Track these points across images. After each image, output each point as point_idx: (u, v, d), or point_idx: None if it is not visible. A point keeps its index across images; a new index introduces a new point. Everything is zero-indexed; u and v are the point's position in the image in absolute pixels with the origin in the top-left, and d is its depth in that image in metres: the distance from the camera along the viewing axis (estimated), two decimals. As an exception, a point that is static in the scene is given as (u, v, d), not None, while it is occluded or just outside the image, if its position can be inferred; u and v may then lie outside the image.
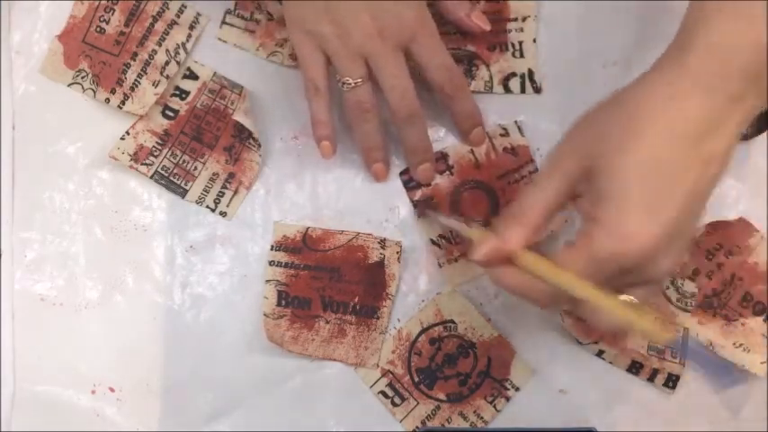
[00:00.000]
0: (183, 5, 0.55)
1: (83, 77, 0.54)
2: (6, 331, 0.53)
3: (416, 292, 0.54)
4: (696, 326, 0.53)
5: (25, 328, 0.53)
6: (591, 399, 0.53)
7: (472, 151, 0.54)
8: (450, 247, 0.53)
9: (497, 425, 0.52)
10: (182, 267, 0.54)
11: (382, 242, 0.53)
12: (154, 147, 0.54)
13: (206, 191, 0.54)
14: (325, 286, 0.53)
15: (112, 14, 0.55)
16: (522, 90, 0.55)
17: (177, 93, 0.55)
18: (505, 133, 0.54)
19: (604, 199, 0.39)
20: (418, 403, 0.52)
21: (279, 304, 0.53)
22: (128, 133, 0.54)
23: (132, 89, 0.54)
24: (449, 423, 0.52)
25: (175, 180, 0.54)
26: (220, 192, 0.54)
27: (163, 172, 0.54)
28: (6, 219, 0.54)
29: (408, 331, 0.53)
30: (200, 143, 0.54)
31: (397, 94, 0.50)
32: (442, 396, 0.53)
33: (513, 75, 0.55)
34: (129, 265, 0.54)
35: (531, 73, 0.55)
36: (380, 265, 0.53)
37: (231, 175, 0.54)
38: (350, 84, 0.49)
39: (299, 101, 0.53)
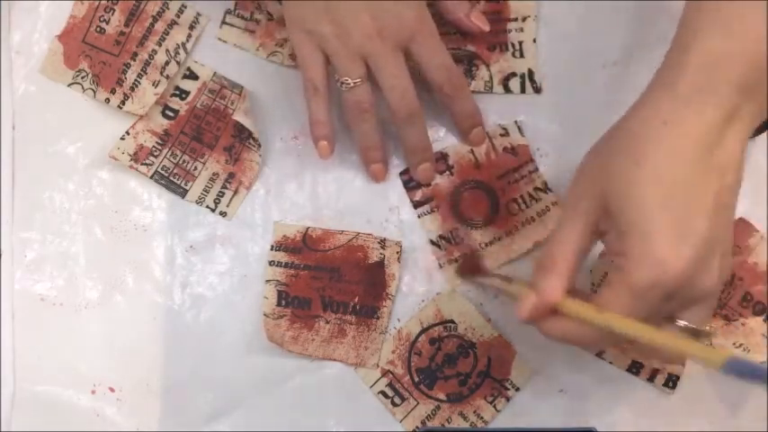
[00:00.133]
0: (183, 5, 0.55)
1: (83, 77, 0.54)
2: (6, 331, 0.53)
3: (416, 292, 0.54)
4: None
5: (25, 328, 0.53)
6: (591, 399, 0.53)
7: (472, 151, 0.54)
8: (451, 247, 0.54)
9: (497, 425, 0.52)
10: (182, 267, 0.54)
11: (382, 242, 0.53)
12: (154, 147, 0.54)
13: (206, 191, 0.54)
14: (325, 286, 0.53)
15: (112, 14, 0.55)
16: (522, 90, 0.55)
17: (177, 93, 0.55)
18: (505, 133, 0.54)
19: (628, 232, 0.39)
20: (418, 403, 0.52)
21: (279, 304, 0.53)
22: (128, 133, 0.54)
23: (132, 89, 0.54)
24: (449, 423, 0.52)
25: (175, 180, 0.54)
26: (220, 192, 0.54)
27: (163, 172, 0.54)
28: (6, 219, 0.54)
29: (408, 331, 0.53)
30: (201, 143, 0.54)
31: (397, 94, 0.50)
32: (442, 396, 0.53)
33: (513, 75, 0.55)
34: (129, 265, 0.54)
35: (531, 73, 0.55)
36: (380, 265, 0.53)
37: (231, 175, 0.54)
38: (349, 84, 0.49)
39: (299, 101, 0.53)
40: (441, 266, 0.54)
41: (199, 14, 0.55)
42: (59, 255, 0.54)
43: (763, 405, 0.53)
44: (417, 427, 0.52)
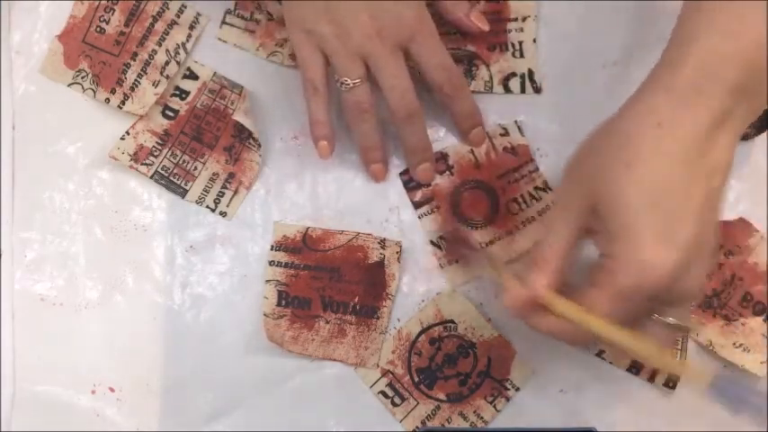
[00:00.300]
0: (183, 5, 0.55)
1: (83, 77, 0.54)
2: (6, 331, 0.53)
3: (416, 292, 0.54)
4: (696, 326, 0.53)
5: (25, 328, 0.53)
6: (591, 399, 0.53)
7: (472, 151, 0.54)
8: (451, 247, 0.53)
9: (497, 425, 0.52)
10: (182, 267, 0.54)
11: (382, 242, 0.53)
12: (154, 147, 0.54)
13: (206, 191, 0.54)
14: (325, 286, 0.53)
15: (112, 14, 0.55)
16: (522, 90, 0.55)
17: (177, 93, 0.55)
18: (505, 133, 0.54)
19: (615, 234, 0.39)
20: (418, 403, 0.52)
21: (279, 304, 0.53)
22: (128, 133, 0.54)
23: (132, 89, 0.54)
24: (449, 423, 0.52)
25: (175, 180, 0.54)
26: (220, 192, 0.54)
27: (163, 172, 0.54)
28: (6, 219, 0.54)
29: (408, 331, 0.53)
30: (201, 143, 0.54)
31: (397, 94, 0.50)
32: (442, 396, 0.53)
33: (513, 75, 0.55)
34: (129, 265, 0.54)
35: (531, 73, 0.55)
36: (380, 265, 0.53)
37: (231, 175, 0.54)
38: (348, 84, 0.49)
39: (299, 101, 0.53)
40: (441, 266, 0.54)
41: (199, 14, 0.55)
42: (59, 255, 0.54)
43: (764, 405, 0.53)
44: (417, 427, 0.52)
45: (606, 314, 0.40)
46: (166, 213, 0.54)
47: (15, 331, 0.53)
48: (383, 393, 0.53)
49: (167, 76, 0.54)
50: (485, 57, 0.55)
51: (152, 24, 0.55)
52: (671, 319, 0.41)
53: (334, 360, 0.53)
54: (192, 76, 0.55)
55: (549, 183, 0.54)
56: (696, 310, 0.53)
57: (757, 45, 0.38)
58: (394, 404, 0.53)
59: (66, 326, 0.53)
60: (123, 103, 0.54)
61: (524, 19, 0.55)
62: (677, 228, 0.38)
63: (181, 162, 0.54)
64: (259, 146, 0.54)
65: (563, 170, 0.43)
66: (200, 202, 0.54)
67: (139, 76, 0.54)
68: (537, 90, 0.55)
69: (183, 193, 0.54)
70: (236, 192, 0.54)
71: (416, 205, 0.54)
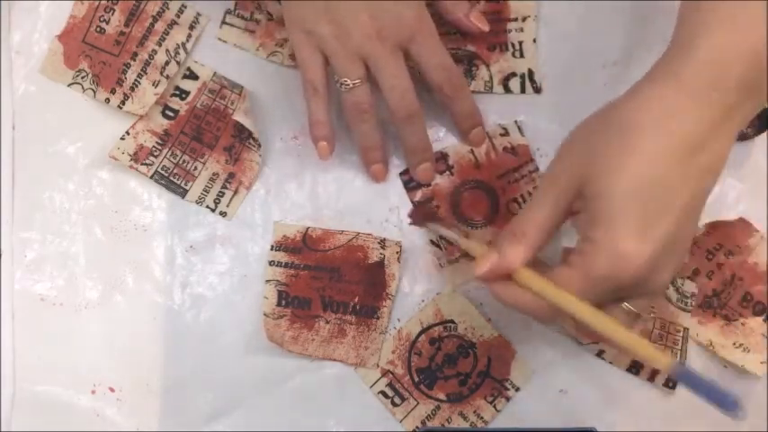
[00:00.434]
0: (183, 5, 0.55)
1: (83, 77, 0.54)
2: (6, 331, 0.53)
3: (416, 292, 0.54)
4: (696, 326, 0.53)
5: (25, 328, 0.53)
6: (591, 399, 0.53)
7: (472, 151, 0.54)
8: (451, 247, 0.53)
9: (497, 425, 0.52)
10: (182, 267, 0.54)
11: (382, 242, 0.53)
12: (154, 147, 0.54)
13: (206, 191, 0.54)
14: (325, 286, 0.53)
15: (112, 14, 0.55)
16: (522, 90, 0.55)
17: (177, 93, 0.55)
18: (505, 133, 0.54)
19: (597, 219, 0.39)
20: (418, 403, 0.52)
21: (279, 304, 0.53)
22: (128, 133, 0.54)
23: (132, 89, 0.54)
24: (449, 423, 0.52)
25: (175, 180, 0.54)
26: (220, 192, 0.54)
27: (163, 172, 0.54)
28: (6, 219, 0.54)
29: (408, 331, 0.53)
30: (200, 143, 0.54)
31: (397, 94, 0.50)
32: (442, 396, 0.53)
33: (513, 75, 0.55)
34: (129, 265, 0.54)
35: (531, 73, 0.55)
36: (380, 265, 0.53)
37: (231, 175, 0.54)
38: (348, 85, 0.49)
39: (299, 101, 0.53)
40: (441, 266, 0.54)
41: (199, 14, 0.55)
42: (59, 255, 0.54)
43: (764, 405, 0.53)
44: (417, 427, 0.52)
45: (574, 294, 0.40)
46: (166, 213, 0.54)
47: (15, 331, 0.53)
48: (383, 393, 0.53)
49: (167, 76, 0.54)
50: (485, 57, 0.55)
51: (152, 24, 0.55)
52: (626, 305, 0.42)
53: (334, 360, 0.53)
54: (191, 76, 0.55)
55: (549, 183, 0.54)
56: (696, 309, 0.53)
57: (762, 41, 0.38)
58: (394, 404, 0.53)
59: (66, 326, 0.53)
60: (123, 103, 0.54)
61: (524, 19, 0.55)
62: (658, 223, 0.38)
63: (181, 162, 0.54)
64: (259, 146, 0.54)
65: (560, 145, 0.43)
66: (200, 202, 0.54)
67: (139, 76, 0.54)
68: (537, 90, 0.55)
69: (183, 193, 0.54)
70: (236, 192, 0.54)
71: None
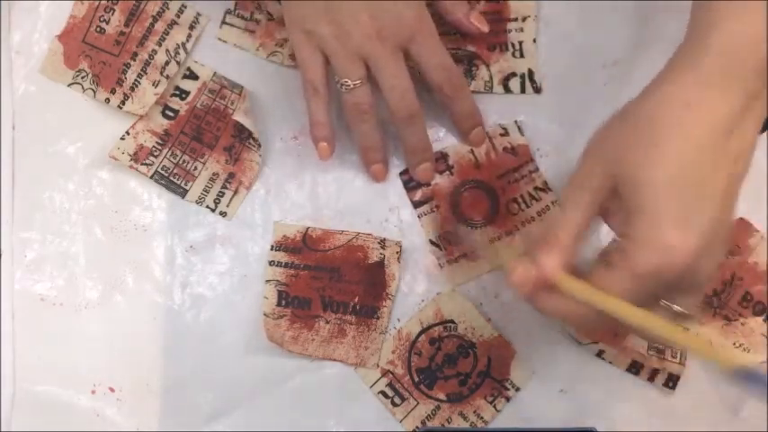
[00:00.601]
0: (183, 5, 0.55)
1: (83, 77, 0.54)
2: (6, 331, 0.53)
3: (416, 292, 0.54)
4: (696, 326, 0.53)
5: (25, 328, 0.53)
6: (591, 399, 0.53)
7: (472, 151, 0.54)
8: (451, 247, 0.54)
9: (497, 425, 0.52)
10: (182, 267, 0.54)
11: (382, 242, 0.53)
12: (154, 147, 0.54)
13: (206, 191, 0.54)
14: (325, 286, 0.53)
15: (112, 14, 0.55)
16: (522, 90, 0.55)
17: (177, 93, 0.55)
18: (505, 133, 0.54)
19: (636, 215, 0.38)
20: (418, 403, 0.52)
21: (279, 304, 0.53)
22: (128, 133, 0.54)
23: (132, 89, 0.54)
24: (449, 423, 0.52)
25: (175, 180, 0.54)
26: (220, 192, 0.54)
27: (163, 172, 0.54)
28: (6, 219, 0.54)
29: (408, 331, 0.53)
30: (200, 143, 0.54)
31: (397, 94, 0.50)
32: (442, 396, 0.53)
33: (513, 75, 0.55)
34: (129, 265, 0.54)
35: (531, 73, 0.55)
36: (380, 265, 0.53)
37: (231, 175, 0.54)
38: (349, 85, 0.49)
39: (299, 101, 0.53)
40: (441, 266, 0.54)
41: (199, 14, 0.55)
42: (59, 255, 0.54)
43: (764, 405, 0.53)
44: (417, 427, 0.52)
45: (620, 296, 0.38)
46: (166, 213, 0.54)
47: (15, 331, 0.53)
48: (383, 393, 0.53)
49: (167, 76, 0.54)
50: (485, 57, 0.55)
51: (152, 24, 0.55)
52: (676, 307, 0.40)
53: (334, 360, 0.53)
54: (191, 76, 0.55)
55: (548, 183, 0.54)
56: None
57: None
58: (394, 404, 0.53)
59: (66, 326, 0.53)
60: (123, 103, 0.54)
61: (524, 19, 0.55)
62: (699, 212, 0.38)
63: (181, 162, 0.54)
64: (259, 146, 0.54)
65: (583, 151, 0.42)
66: (200, 202, 0.54)
67: (139, 76, 0.54)
68: (537, 90, 0.55)
69: (183, 193, 0.54)
70: (236, 192, 0.54)
71: (416, 205, 0.54)
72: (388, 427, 0.52)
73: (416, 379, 0.53)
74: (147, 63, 0.54)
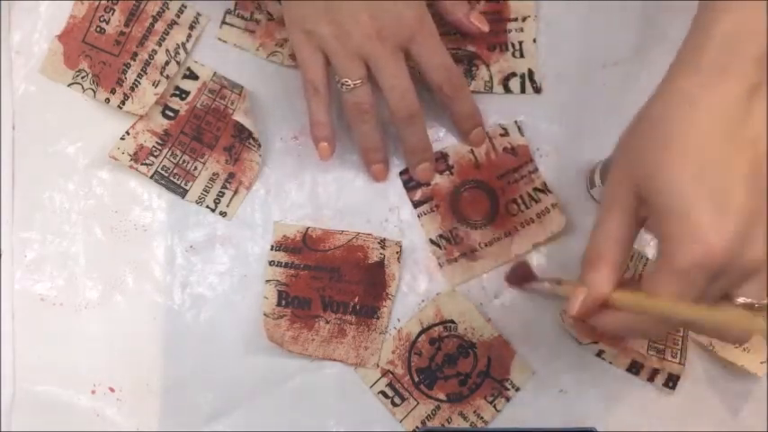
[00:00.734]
0: (183, 5, 0.55)
1: (83, 77, 0.54)
2: (6, 331, 0.53)
3: (416, 292, 0.54)
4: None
5: (25, 328, 0.53)
6: (591, 399, 0.53)
7: (472, 151, 0.54)
8: (450, 247, 0.54)
9: (497, 425, 0.52)
10: (182, 267, 0.54)
11: (382, 242, 0.53)
12: (154, 147, 0.54)
13: (206, 191, 0.54)
14: (325, 286, 0.53)
15: (112, 14, 0.55)
16: (522, 90, 0.55)
17: (177, 93, 0.55)
18: (505, 133, 0.54)
19: (666, 214, 0.38)
20: (418, 403, 0.52)
21: (279, 304, 0.53)
22: (128, 133, 0.54)
23: (132, 89, 0.54)
24: (449, 423, 0.52)
25: (175, 180, 0.54)
26: (220, 192, 0.54)
27: (163, 172, 0.54)
28: (6, 219, 0.54)
29: (408, 331, 0.53)
30: (201, 143, 0.54)
31: (397, 94, 0.50)
32: (442, 396, 0.53)
33: (513, 75, 0.55)
34: (129, 265, 0.54)
35: (531, 73, 0.55)
36: (380, 265, 0.53)
37: (231, 175, 0.54)
38: (349, 85, 0.49)
39: (299, 101, 0.53)
40: (441, 266, 0.54)
41: (199, 14, 0.55)
42: (59, 255, 0.54)
43: (763, 405, 0.53)
44: (417, 427, 0.52)
45: (672, 297, 0.38)
46: (166, 213, 0.54)
47: (15, 331, 0.53)
48: (383, 393, 0.53)
49: (167, 76, 0.54)
50: (485, 57, 0.55)
51: (152, 24, 0.55)
52: (742, 299, 0.40)
53: (334, 360, 0.53)
54: (191, 76, 0.55)
55: (548, 184, 0.54)
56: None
57: None
58: (394, 404, 0.53)
59: (66, 326, 0.53)
60: (123, 103, 0.54)
61: (524, 19, 0.55)
62: (729, 196, 0.37)
63: (181, 162, 0.54)
64: (259, 146, 0.54)
65: (610, 172, 0.42)
66: (200, 202, 0.54)
67: (139, 76, 0.54)
68: (537, 90, 0.55)
69: (183, 193, 0.54)
70: (236, 192, 0.54)
71: (416, 204, 0.54)
72: (388, 427, 0.53)
73: (416, 379, 0.53)
74: (147, 63, 0.54)
